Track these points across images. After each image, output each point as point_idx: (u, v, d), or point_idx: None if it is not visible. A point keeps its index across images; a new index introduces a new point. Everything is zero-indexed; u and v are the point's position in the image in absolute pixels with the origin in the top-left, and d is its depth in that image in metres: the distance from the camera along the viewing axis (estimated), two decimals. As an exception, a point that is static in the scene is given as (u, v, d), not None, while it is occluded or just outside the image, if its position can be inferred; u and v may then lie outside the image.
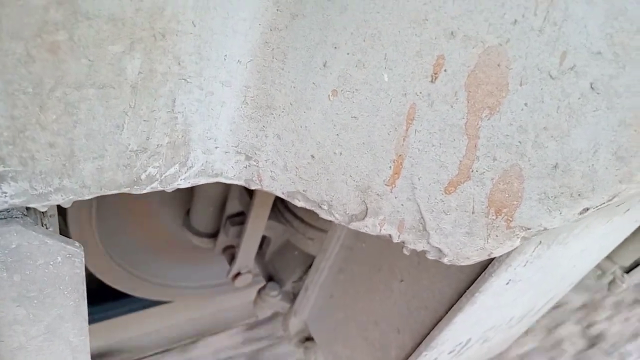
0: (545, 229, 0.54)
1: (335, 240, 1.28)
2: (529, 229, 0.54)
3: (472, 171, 0.51)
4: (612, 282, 2.34)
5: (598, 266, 2.20)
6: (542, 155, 0.47)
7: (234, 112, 0.55)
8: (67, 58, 0.42)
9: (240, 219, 1.84)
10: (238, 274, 1.96)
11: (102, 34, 0.42)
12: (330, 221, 1.71)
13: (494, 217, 0.54)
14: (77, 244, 0.60)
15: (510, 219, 0.53)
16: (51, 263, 0.60)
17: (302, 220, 1.76)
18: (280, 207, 1.80)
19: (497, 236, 0.55)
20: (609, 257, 2.18)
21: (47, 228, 0.65)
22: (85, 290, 0.66)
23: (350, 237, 1.25)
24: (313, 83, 0.51)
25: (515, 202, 0.51)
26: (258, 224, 1.74)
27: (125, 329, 2.30)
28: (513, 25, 0.41)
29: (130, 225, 1.94)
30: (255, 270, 1.97)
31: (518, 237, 0.55)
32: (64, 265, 0.61)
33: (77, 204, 1.61)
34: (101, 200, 1.68)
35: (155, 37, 0.44)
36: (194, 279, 2.32)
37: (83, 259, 0.62)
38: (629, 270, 2.26)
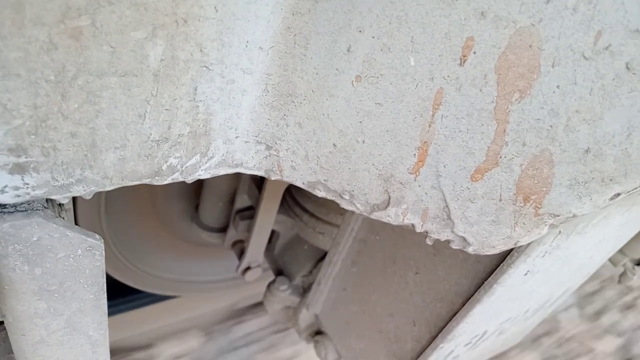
0: (574, 215, 0.53)
1: (349, 233, 1.27)
2: (557, 215, 0.53)
3: (500, 157, 0.49)
4: (623, 275, 2.32)
5: (609, 258, 2.18)
6: (574, 139, 0.46)
7: (254, 101, 0.54)
8: (90, 45, 0.41)
9: (249, 213, 1.84)
10: (248, 268, 1.96)
11: (124, 19, 0.41)
12: (341, 215, 1.71)
13: (521, 205, 0.53)
14: (97, 236, 0.60)
15: (539, 206, 0.52)
16: (72, 256, 0.59)
17: (311, 214, 1.75)
18: (290, 201, 1.79)
19: (524, 224, 0.54)
20: (620, 250, 2.16)
21: (64, 221, 0.64)
22: (105, 283, 0.66)
23: (363, 230, 1.24)
24: (336, 69, 0.50)
25: (544, 189, 0.50)
26: (267, 218, 1.74)
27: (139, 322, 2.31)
28: (546, 4, 0.40)
29: (139, 220, 1.94)
30: (265, 264, 1.97)
31: (546, 225, 0.54)
32: (85, 258, 0.61)
33: (86, 199, 1.61)
34: (110, 195, 1.68)
35: (178, 22, 0.44)
36: (202, 274, 2.32)
37: (103, 252, 0.61)
38: (639, 262, 2.25)
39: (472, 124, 0.48)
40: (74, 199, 1.62)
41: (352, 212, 1.24)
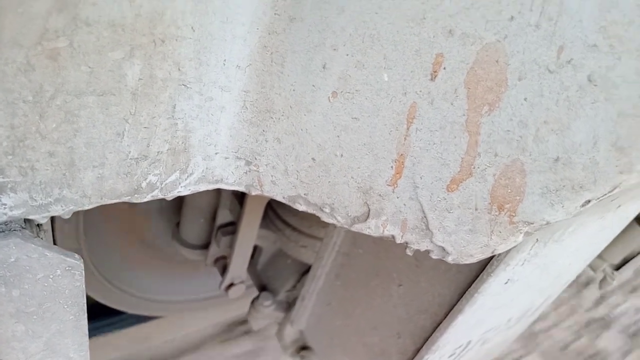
0: (547, 222, 0.54)
1: (332, 247, 1.27)
2: (532, 223, 0.54)
3: (474, 167, 0.51)
4: (602, 280, 2.36)
5: (588, 264, 2.23)
6: (543, 149, 0.48)
7: (233, 117, 0.55)
8: (67, 65, 0.42)
9: (231, 228, 1.82)
10: (231, 285, 1.94)
11: (102, 40, 0.42)
12: (324, 228, 1.71)
13: (496, 213, 0.54)
14: (76, 256, 0.59)
15: (513, 214, 0.53)
16: (51, 276, 0.59)
17: (293, 228, 1.75)
18: (272, 216, 1.79)
19: (500, 232, 0.56)
20: (599, 255, 2.21)
21: (42, 242, 0.64)
22: (85, 303, 0.65)
23: (346, 244, 1.24)
24: (313, 85, 0.51)
25: (517, 197, 0.52)
26: (249, 233, 1.73)
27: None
28: (510, 22, 0.42)
29: (118, 240, 1.91)
30: (248, 280, 1.95)
31: (521, 233, 0.56)
32: (64, 278, 0.60)
33: (64, 219, 1.58)
34: (88, 215, 1.65)
35: (155, 42, 0.44)
36: (184, 292, 2.29)
37: (83, 272, 0.61)
38: (618, 267, 2.29)
39: (445, 137, 0.50)
40: (52, 219, 1.59)
41: (335, 226, 1.25)
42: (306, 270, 1.83)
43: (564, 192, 0.51)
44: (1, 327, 0.61)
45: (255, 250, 1.89)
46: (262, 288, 1.91)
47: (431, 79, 0.47)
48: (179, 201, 1.85)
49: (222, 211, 1.79)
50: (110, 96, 0.46)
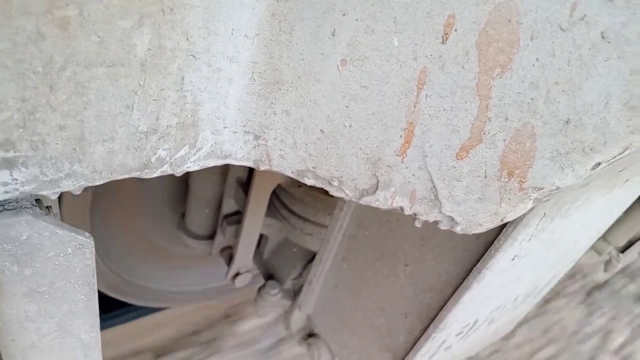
0: (557, 188, 0.54)
1: (338, 230, 1.28)
2: (541, 189, 0.54)
3: (484, 133, 0.51)
4: (608, 262, 2.37)
5: (593, 247, 2.23)
6: (554, 111, 0.48)
7: (241, 90, 0.55)
8: (77, 34, 0.42)
9: (236, 218, 1.83)
10: (237, 274, 1.95)
11: (111, 8, 0.42)
12: (329, 215, 1.71)
13: (506, 180, 0.54)
14: (87, 234, 0.59)
15: (523, 180, 0.53)
16: (62, 255, 0.59)
17: (299, 216, 1.75)
18: (277, 204, 1.79)
19: (509, 199, 0.56)
20: (604, 238, 2.22)
21: (51, 225, 0.64)
22: (95, 283, 0.65)
23: (352, 226, 1.25)
24: (321, 54, 0.51)
25: (527, 162, 0.52)
26: (255, 222, 1.73)
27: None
28: (522, -21, 0.42)
29: (125, 231, 1.91)
30: (254, 269, 1.96)
31: (530, 199, 0.56)
32: (75, 257, 0.60)
33: (70, 209, 1.59)
34: (95, 205, 1.66)
35: (164, 11, 0.44)
36: (190, 283, 2.29)
37: (93, 250, 0.61)
38: (623, 250, 2.30)
39: (455, 102, 0.50)
40: (59, 207, 1.59)
41: (341, 209, 1.25)
42: (312, 258, 1.83)
43: (574, 155, 0.51)
44: (14, 307, 0.61)
45: (261, 239, 1.89)
46: (269, 277, 1.92)
47: (442, 42, 0.47)
48: (185, 191, 1.85)
49: (227, 201, 1.79)
50: (119, 67, 0.46)
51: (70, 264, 0.61)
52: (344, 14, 0.48)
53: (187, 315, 2.46)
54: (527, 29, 0.44)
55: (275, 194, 1.76)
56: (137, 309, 2.28)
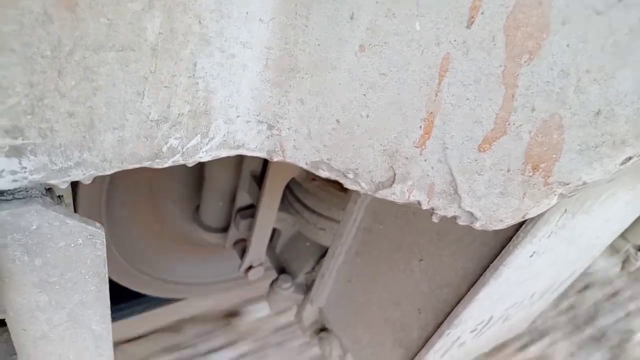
0: (584, 183, 0.52)
1: (351, 224, 1.26)
2: (567, 184, 0.52)
3: (509, 124, 0.48)
4: (626, 261, 2.32)
5: (611, 245, 2.19)
6: (584, 101, 0.45)
7: (255, 77, 0.53)
8: (86, 17, 0.40)
9: (250, 211, 1.82)
10: (250, 267, 1.95)
11: (120, -11, 0.40)
12: (342, 209, 1.69)
13: (530, 174, 0.52)
14: (97, 224, 0.59)
15: (549, 175, 0.51)
16: (72, 245, 0.58)
17: (312, 211, 1.74)
18: (290, 198, 1.78)
19: (533, 194, 0.53)
20: (622, 236, 2.17)
21: (63, 215, 0.63)
22: (106, 274, 0.65)
23: (367, 219, 1.23)
24: (339, 39, 0.49)
25: (554, 156, 0.49)
26: (268, 216, 1.72)
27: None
28: (554, -41, 0.39)
29: (140, 223, 1.92)
30: (267, 263, 1.95)
31: (555, 195, 0.53)
32: (85, 247, 0.59)
33: (87, 200, 1.60)
34: (110, 197, 1.66)
35: (176, -7, 0.42)
36: (205, 275, 2.30)
37: (104, 241, 0.60)
38: (642, 248, 2.25)
39: (479, 91, 0.47)
40: (73, 201, 1.60)
41: (355, 202, 1.23)
42: (325, 252, 1.82)
43: (603, 149, 0.48)
44: (25, 297, 0.60)
45: (274, 233, 1.88)
46: (281, 270, 1.91)
47: (467, 26, 0.44)
48: (199, 183, 1.85)
49: (241, 194, 1.78)
50: (129, 52, 0.44)
51: (80, 255, 0.60)
52: (363, -3, 0.45)
53: (202, 306, 2.47)
54: (559, 12, 0.41)
55: (289, 188, 1.74)
56: (152, 300, 2.30)
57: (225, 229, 1.93)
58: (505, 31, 0.43)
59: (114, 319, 2.16)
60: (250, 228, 1.79)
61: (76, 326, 0.69)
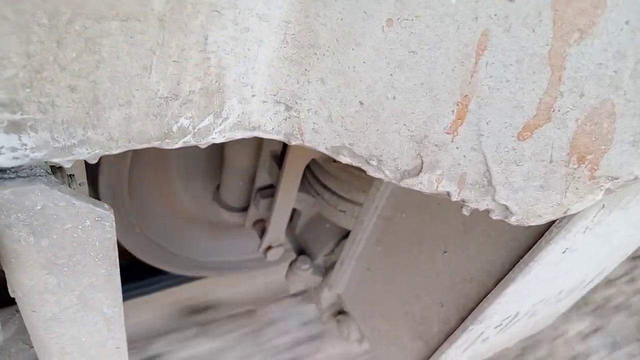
0: (636, 177, 0.46)
1: (373, 211, 1.22)
2: (616, 178, 0.46)
3: (554, 111, 0.43)
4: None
5: None
6: (643, 86, 0.39)
7: (272, 53, 0.48)
8: (85, -18, 0.37)
9: (270, 191, 1.80)
10: (269, 248, 1.93)
11: (123, -48, 0.36)
12: (363, 192, 1.65)
13: (575, 166, 0.46)
14: (106, 206, 0.56)
15: (596, 167, 0.46)
16: (80, 227, 0.56)
17: (332, 192, 1.70)
18: (310, 179, 1.75)
19: (577, 189, 0.48)
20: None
21: (75, 195, 0.61)
22: (117, 257, 0.62)
23: (389, 208, 1.18)
24: (364, 12, 0.44)
25: (603, 147, 0.44)
26: (288, 197, 1.70)
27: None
28: None
29: (162, 200, 1.93)
30: (286, 243, 1.94)
31: (602, 190, 0.48)
32: (94, 230, 0.57)
33: (109, 179, 1.60)
34: (132, 175, 1.66)
35: (185, -44, 0.38)
36: (226, 254, 2.31)
37: (114, 223, 0.57)
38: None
39: (521, 72, 0.42)
40: (95, 180, 1.60)
41: (377, 189, 1.19)
42: (345, 235, 1.79)
43: (662, 141, 0.43)
44: (33, 279, 0.59)
45: (294, 213, 1.86)
46: (300, 252, 1.90)
47: (510, 0, 0.39)
48: (220, 163, 1.84)
49: (261, 174, 1.76)
50: (134, 22, 0.40)
51: (89, 237, 0.57)
52: (393, -36, 0.40)
53: (222, 284, 2.48)
54: (620, -18, 0.36)
55: (309, 169, 1.71)
56: (173, 277, 2.32)
57: (245, 209, 1.92)
58: (554, 6, 0.38)
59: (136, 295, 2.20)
60: (270, 208, 1.77)
61: (87, 309, 0.67)
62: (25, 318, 0.66)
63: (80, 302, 0.66)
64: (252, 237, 1.96)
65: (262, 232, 1.89)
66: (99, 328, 0.72)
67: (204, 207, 2.06)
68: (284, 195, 1.68)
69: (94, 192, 1.67)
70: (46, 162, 0.49)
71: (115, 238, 0.60)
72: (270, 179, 1.78)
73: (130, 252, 1.93)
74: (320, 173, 1.70)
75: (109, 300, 0.68)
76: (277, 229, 1.83)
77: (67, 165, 0.49)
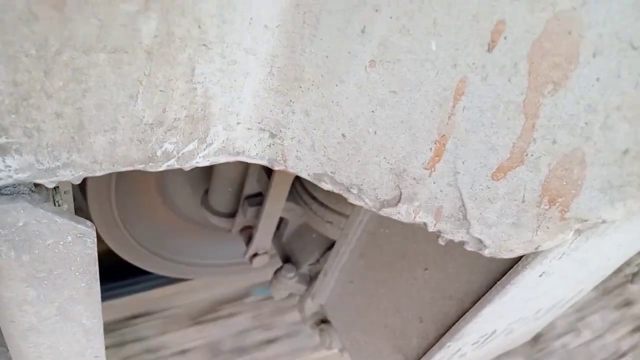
0: (604, 221, 0.48)
1: (357, 225, 1.23)
2: (585, 220, 0.48)
3: (527, 155, 0.45)
4: (636, 274, 2.27)
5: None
6: (611, 139, 0.41)
7: (258, 85, 0.50)
8: (75, 16, 0.37)
9: (258, 199, 1.80)
10: (255, 255, 1.94)
11: (113, -11, 0.37)
12: (351, 205, 1.67)
13: (546, 207, 0.48)
14: (88, 223, 0.56)
15: (566, 210, 0.47)
16: (61, 243, 0.56)
17: (320, 203, 1.71)
18: (299, 189, 1.76)
19: (548, 228, 0.50)
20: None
21: (59, 205, 0.61)
22: (97, 271, 0.63)
23: (372, 222, 1.20)
24: (349, 52, 0.45)
25: (573, 191, 0.46)
26: (276, 205, 1.70)
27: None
28: (591, -16, 0.35)
29: (150, 202, 1.92)
30: (272, 251, 1.94)
31: (572, 230, 0.50)
32: (75, 245, 0.57)
33: (96, 181, 1.59)
34: (120, 176, 1.66)
35: (174, -6, 0.39)
36: (212, 257, 2.31)
37: (95, 239, 0.58)
38: (653, 261, 2.19)
39: (497, 118, 0.44)
40: (83, 182, 1.60)
41: (362, 203, 1.20)
42: (331, 245, 1.80)
43: (628, 189, 0.44)
44: (12, 291, 0.59)
45: (281, 221, 1.87)
46: (286, 260, 1.90)
47: (488, 50, 0.40)
48: (209, 168, 1.84)
49: (250, 182, 1.77)
50: (122, 54, 0.41)
51: (70, 252, 0.58)
52: (376, 10, 0.42)
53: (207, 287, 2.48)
54: (590, 44, 0.37)
55: (298, 179, 1.72)
56: (158, 278, 2.32)
57: (233, 215, 1.92)
58: (530, 59, 0.39)
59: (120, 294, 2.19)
60: (258, 216, 1.77)
61: (66, 320, 0.68)
62: (3, 328, 0.66)
63: (59, 314, 0.66)
64: (240, 241, 1.97)
65: (249, 239, 1.89)
66: (78, 338, 0.73)
67: (192, 211, 2.06)
68: (272, 204, 1.68)
69: (81, 193, 1.67)
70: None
71: (96, 253, 0.60)
72: (259, 188, 1.79)
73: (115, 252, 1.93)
74: (309, 184, 1.71)
75: (89, 312, 0.69)
76: (263, 236, 1.84)
77: (50, 186, 0.49)
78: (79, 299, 0.65)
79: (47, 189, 0.57)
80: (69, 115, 0.43)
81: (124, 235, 1.89)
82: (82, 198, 1.68)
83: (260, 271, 2.34)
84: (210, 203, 1.92)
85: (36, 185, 0.53)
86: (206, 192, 1.94)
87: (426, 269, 1.10)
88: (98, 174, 0.50)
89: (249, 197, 1.82)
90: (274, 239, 1.91)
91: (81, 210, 1.72)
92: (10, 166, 0.45)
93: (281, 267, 1.86)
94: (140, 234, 1.96)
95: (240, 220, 1.88)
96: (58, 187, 0.66)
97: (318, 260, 1.89)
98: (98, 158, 0.48)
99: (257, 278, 2.50)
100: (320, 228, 1.76)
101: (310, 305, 1.84)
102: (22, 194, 0.50)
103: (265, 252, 1.95)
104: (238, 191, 1.85)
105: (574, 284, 1.24)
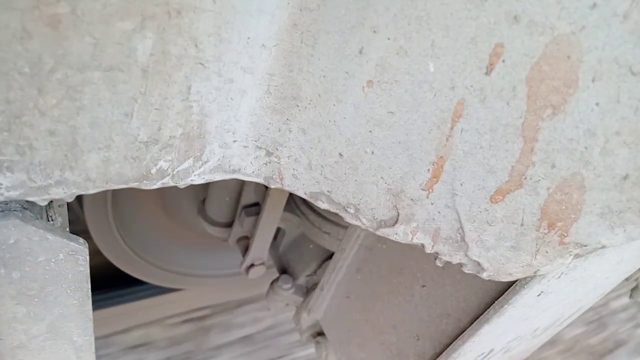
0: (603, 246, 0.47)
1: (354, 240, 1.22)
2: (585, 245, 0.47)
3: (526, 178, 0.44)
4: (634, 289, 2.25)
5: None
6: (611, 164, 0.41)
7: (255, 103, 0.49)
8: (70, 35, 0.37)
9: (255, 209, 1.79)
10: (251, 265, 1.92)
11: (109, 8, 0.37)
12: (349, 217, 1.64)
13: (545, 231, 0.47)
14: (81, 240, 0.56)
15: (565, 234, 0.47)
16: (53, 260, 0.55)
17: (318, 214, 1.71)
18: (296, 199, 1.75)
19: (547, 252, 0.49)
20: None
21: (53, 219, 0.60)
22: (89, 289, 0.62)
23: (370, 238, 1.19)
24: (346, 72, 0.45)
25: (572, 216, 0.45)
26: (273, 216, 1.70)
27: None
28: (591, 10, 0.35)
29: (146, 212, 1.91)
30: (269, 262, 1.93)
31: (571, 255, 0.49)
32: (67, 263, 0.56)
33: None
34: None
35: (170, 13, 0.39)
36: (209, 267, 2.29)
37: (87, 257, 0.57)
38: (650, 276, 2.18)
39: (495, 140, 0.43)
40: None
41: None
42: (328, 256, 1.79)
43: (628, 215, 0.44)
44: (1, 309, 0.58)
45: (278, 232, 1.86)
46: (283, 271, 1.89)
47: (486, 73, 0.40)
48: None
49: (247, 192, 1.76)
50: (117, 72, 0.41)
51: (62, 270, 0.57)
52: (374, 31, 0.41)
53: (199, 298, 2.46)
54: (590, 68, 0.37)
55: (295, 190, 1.71)
56: (151, 288, 2.30)
57: (229, 224, 1.91)
58: (528, 82, 0.39)
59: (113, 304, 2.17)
60: (255, 226, 1.77)
61: (56, 338, 0.66)
62: (-7, 344, 0.65)
63: (49, 331, 0.65)
64: (236, 252, 1.96)
65: (246, 250, 1.88)
66: (68, 356, 0.71)
67: (188, 221, 2.05)
68: (269, 214, 1.67)
69: (78, 201, 1.66)
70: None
71: (88, 271, 0.59)
72: (256, 197, 1.78)
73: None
74: (306, 195, 1.70)
75: (80, 330, 0.68)
76: (260, 247, 1.82)
77: (42, 204, 0.49)
78: (70, 316, 0.64)
79: (35, 208, 0.57)
80: (63, 133, 0.43)
81: (120, 244, 1.88)
82: (79, 207, 1.68)
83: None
84: (207, 212, 1.91)
85: (28, 201, 0.52)
86: (203, 201, 1.93)
87: (423, 286, 1.09)
88: (91, 191, 0.49)
89: (246, 206, 1.81)
90: (271, 249, 1.90)
91: (77, 218, 1.71)
92: (2, 184, 0.44)
93: (278, 278, 1.84)
94: (136, 242, 1.95)
95: (237, 230, 1.87)
96: (52, 201, 0.65)
97: (315, 272, 1.88)
98: (91, 176, 0.47)
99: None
100: (318, 239, 1.75)
101: (306, 317, 1.82)
102: (14, 210, 0.50)
103: (262, 263, 1.94)
104: (235, 201, 1.84)
105: (573, 302, 1.23)
